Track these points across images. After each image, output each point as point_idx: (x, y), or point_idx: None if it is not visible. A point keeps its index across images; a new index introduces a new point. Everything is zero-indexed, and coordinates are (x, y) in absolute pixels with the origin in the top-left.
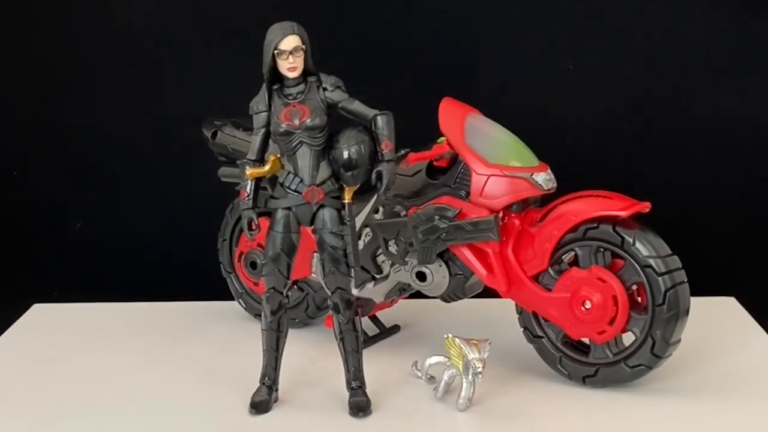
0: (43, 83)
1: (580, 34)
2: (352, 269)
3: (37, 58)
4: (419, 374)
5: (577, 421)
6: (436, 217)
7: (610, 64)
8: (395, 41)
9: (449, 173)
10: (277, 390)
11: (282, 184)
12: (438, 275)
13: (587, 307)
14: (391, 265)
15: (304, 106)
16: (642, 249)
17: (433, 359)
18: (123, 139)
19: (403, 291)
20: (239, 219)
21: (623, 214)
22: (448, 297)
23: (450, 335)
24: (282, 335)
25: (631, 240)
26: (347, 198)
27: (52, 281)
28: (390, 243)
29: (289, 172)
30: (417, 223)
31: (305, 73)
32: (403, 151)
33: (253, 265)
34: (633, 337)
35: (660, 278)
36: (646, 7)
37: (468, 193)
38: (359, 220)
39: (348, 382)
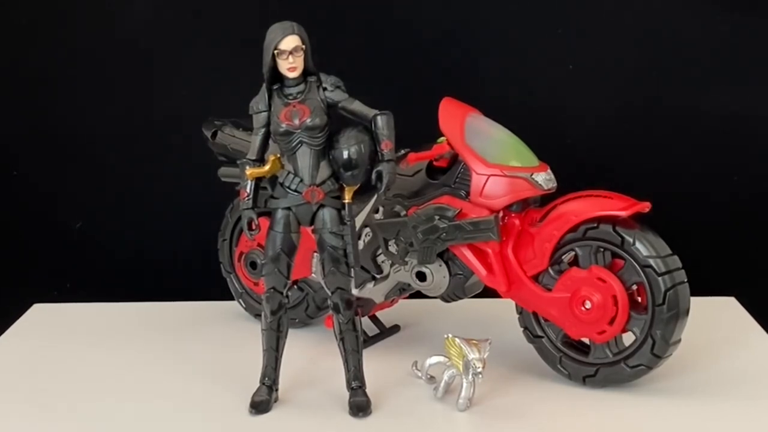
0: (43, 83)
1: (580, 34)
2: (352, 269)
3: (37, 58)
4: (419, 374)
5: (578, 421)
6: (436, 217)
7: (610, 64)
8: (395, 41)
9: (449, 173)
10: (277, 390)
11: (282, 184)
12: (438, 275)
13: (587, 307)
14: (391, 265)
15: (304, 106)
16: (642, 249)
17: (433, 359)
18: (123, 139)
19: (403, 291)
20: (239, 219)
21: (623, 214)
22: (448, 297)
23: (450, 335)
24: (282, 335)
25: (631, 240)
26: (347, 198)
27: (52, 281)
28: (390, 243)
29: (289, 172)
30: (417, 223)
31: (305, 73)
32: (403, 151)
33: (253, 265)
34: (633, 337)
35: (660, 278)
36: (646, 7)
37: (468, 193)
38: (359, 220)
39: (348, 382)
